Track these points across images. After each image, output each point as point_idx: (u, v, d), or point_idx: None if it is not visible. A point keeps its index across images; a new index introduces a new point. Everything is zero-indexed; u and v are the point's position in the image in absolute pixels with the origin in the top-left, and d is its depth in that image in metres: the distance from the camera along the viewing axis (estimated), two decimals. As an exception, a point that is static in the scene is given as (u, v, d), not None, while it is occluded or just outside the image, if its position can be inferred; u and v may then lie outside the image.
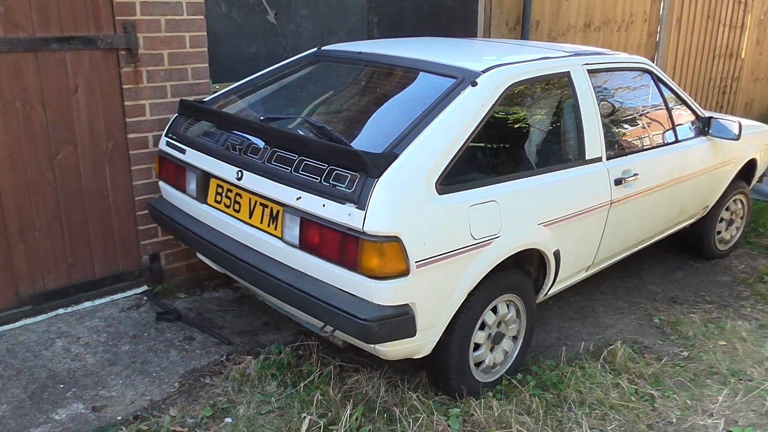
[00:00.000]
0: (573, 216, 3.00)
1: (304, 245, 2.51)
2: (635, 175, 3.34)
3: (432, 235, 2.40)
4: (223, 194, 2.88)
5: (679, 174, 3.73)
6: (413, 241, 2.34)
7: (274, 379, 2.94)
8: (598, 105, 3.21)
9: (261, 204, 2.69)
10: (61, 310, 3.35)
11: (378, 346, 2.50)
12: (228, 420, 2.70)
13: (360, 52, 3.27)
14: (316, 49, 3.54)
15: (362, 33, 4.44)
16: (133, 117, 3.39)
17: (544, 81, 3.05)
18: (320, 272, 2.50)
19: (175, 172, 3.13)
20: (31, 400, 2.75)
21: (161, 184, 3.29)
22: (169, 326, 3.38)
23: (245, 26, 3.89)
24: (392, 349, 2.53)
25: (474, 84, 2.69)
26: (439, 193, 2.44)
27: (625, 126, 3.53)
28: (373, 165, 2.32)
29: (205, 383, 2.94)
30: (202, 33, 3.54)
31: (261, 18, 3.95)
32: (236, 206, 2.81)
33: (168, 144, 3.16)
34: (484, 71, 2.77)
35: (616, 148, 3.35)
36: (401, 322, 2.40)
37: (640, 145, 3.54)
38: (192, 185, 3.01)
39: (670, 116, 3.76)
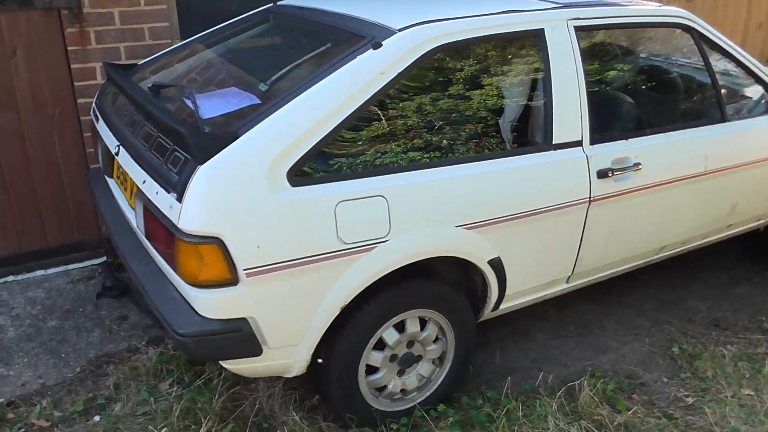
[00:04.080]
0: (523, 216, 2.36)
1: (148, 235, 2.17)
2: (636, 165, 2.57)
3: (272, 238, 1.94)
4: (119, 170, 2.60)
5: (723, 163, 2.86)
6: (241, 245, 1.90)
7: (170, 376, 2.66)
8: (585, 73, 2.48)
9: (133, 184, 2.38)
10: (11, 277, 3.32)
11: (224, 364, 2.12)
12: (96, 418, 2.48)
13: (302, 8, 2.80)
14: (271, 4, 3.10)
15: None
16: (82, 81, 3.21)
17: (496, 42, 2.39)
18: (166, 270, 2.15)
19: (96, 142, 2.90)
20: (-71, 371, 2.72)
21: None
22: (109, 302, 3.22)
23: (223, -20, 3.55)
24: (244, 368, 2.13)
25: (376, 46, 2.14)
26: (292, 185, 1.97)
27: (635, 101, 2.73)
28: (198, 148, 1.90)
29: (105, 372, 2.74)
30: (159, -11, 3.25)
31: (242, -30, 3.58)
32: (125, 184, 2.53)
33: (93, 111, 2.94)
34: (401, 29, 2.20)
35: (611, 129, 2.60)
36: (233, 339, 1.98)
37: (652, 126, 2.73)
38: (101, 157, 2.78)
39: (716, 87, 2.87)
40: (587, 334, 3.09)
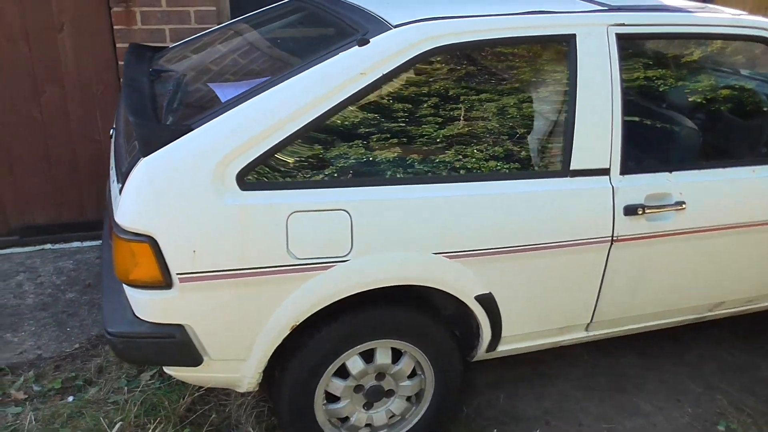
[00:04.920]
0: (522, 251, 2.04)
1: (110, 225, 2.09)
2: (679, 204, 2.16)
3: (211, 244, 1.78)
4: (123, 153, 2.56)
5: (805, 213, 2.35)
6: (175, 247, 1.76)
7: (155, 366, 2.60)
8: (622, 89, 2.10)
9: (121, 169, 2.32)
10: (48, 245, 3.43)
11: (167, 370, 2.00)
12: (69, 399, 2.46)
13: (330, -2, 2.62)
14: (307, -7, 2.94)
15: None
16: (127, 60, 3.22)
17: (511, 46, 2.07)
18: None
19: (120, 122, 2.90)
20: (-56, 327, 2.84)
21: (129, 133, 3.10)
22: (129, 283, 3.23)
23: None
24: (187, 376, 2.00)
25: (362, 42, 1.91)
26: (241, 189, 1.79)
27: (690, 127, 2.29)
28: (144, 138, 1.77)
29: (98, 353, 2.73)
30: (207, -28, 3.20)
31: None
32: (123, 168, 2.48)
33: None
34: (398, 25, 1.96)
35: (652, 158, 2.20)
36: (166, 345, 1.85)
37: (709, 158, 2.29)
38: (117, 138, 2.76)
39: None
40: (619, 390, 2.68)
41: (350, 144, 1.91)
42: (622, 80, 2.11)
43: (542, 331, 2.28)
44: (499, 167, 2.02)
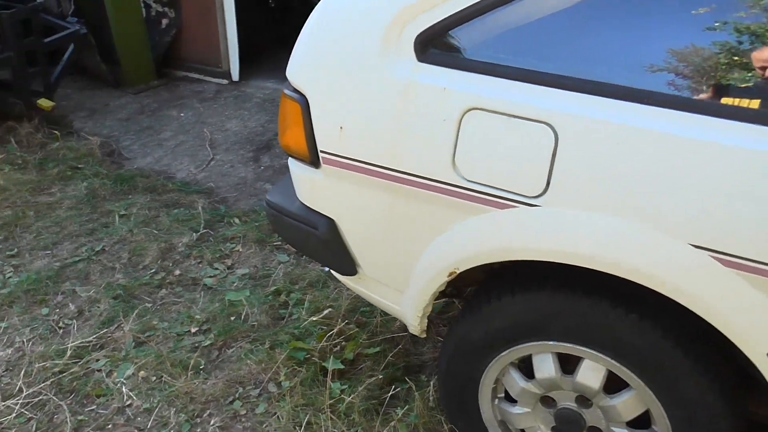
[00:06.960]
0: None
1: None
2: None
3: (360, 124, 1.32)
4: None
5: None
6: (323, 115, 1.37)
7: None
8: None
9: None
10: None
11: (334, 273, 1.67)
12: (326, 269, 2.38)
13: None
14: None
15: None
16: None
17: None
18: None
19: None
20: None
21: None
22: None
23: None
24: (347, 283, 1.66)
25: None
26: (419, 59, 1.25)
27: None
28: (330, -24, 1.38)
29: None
30: None
31: None
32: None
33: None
34: None
35: None
36: (311, 236, 1.53)
37: None
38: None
39: None
40: None
41: (600, 28, 1.12)
42: None
43: None
44: None
